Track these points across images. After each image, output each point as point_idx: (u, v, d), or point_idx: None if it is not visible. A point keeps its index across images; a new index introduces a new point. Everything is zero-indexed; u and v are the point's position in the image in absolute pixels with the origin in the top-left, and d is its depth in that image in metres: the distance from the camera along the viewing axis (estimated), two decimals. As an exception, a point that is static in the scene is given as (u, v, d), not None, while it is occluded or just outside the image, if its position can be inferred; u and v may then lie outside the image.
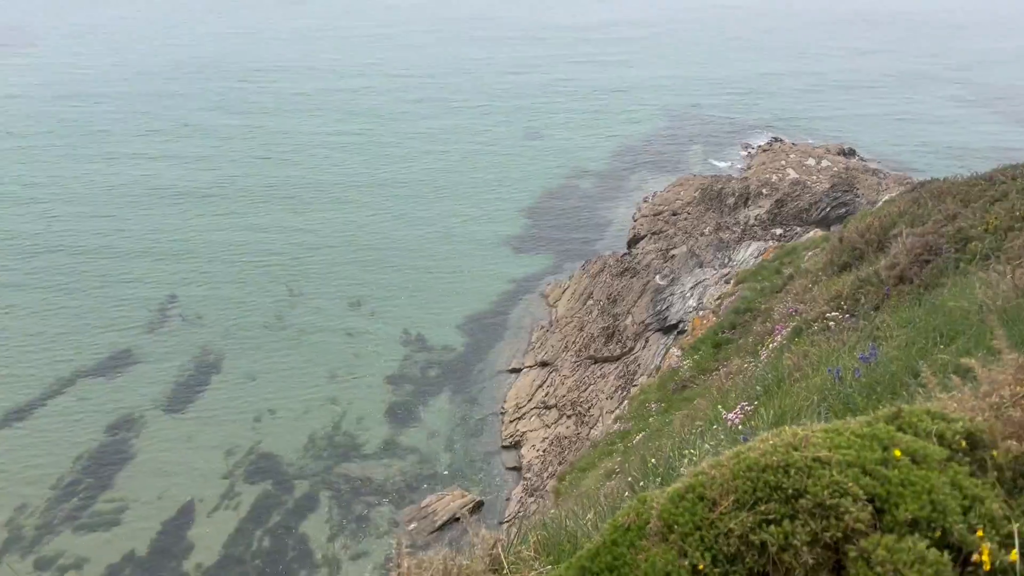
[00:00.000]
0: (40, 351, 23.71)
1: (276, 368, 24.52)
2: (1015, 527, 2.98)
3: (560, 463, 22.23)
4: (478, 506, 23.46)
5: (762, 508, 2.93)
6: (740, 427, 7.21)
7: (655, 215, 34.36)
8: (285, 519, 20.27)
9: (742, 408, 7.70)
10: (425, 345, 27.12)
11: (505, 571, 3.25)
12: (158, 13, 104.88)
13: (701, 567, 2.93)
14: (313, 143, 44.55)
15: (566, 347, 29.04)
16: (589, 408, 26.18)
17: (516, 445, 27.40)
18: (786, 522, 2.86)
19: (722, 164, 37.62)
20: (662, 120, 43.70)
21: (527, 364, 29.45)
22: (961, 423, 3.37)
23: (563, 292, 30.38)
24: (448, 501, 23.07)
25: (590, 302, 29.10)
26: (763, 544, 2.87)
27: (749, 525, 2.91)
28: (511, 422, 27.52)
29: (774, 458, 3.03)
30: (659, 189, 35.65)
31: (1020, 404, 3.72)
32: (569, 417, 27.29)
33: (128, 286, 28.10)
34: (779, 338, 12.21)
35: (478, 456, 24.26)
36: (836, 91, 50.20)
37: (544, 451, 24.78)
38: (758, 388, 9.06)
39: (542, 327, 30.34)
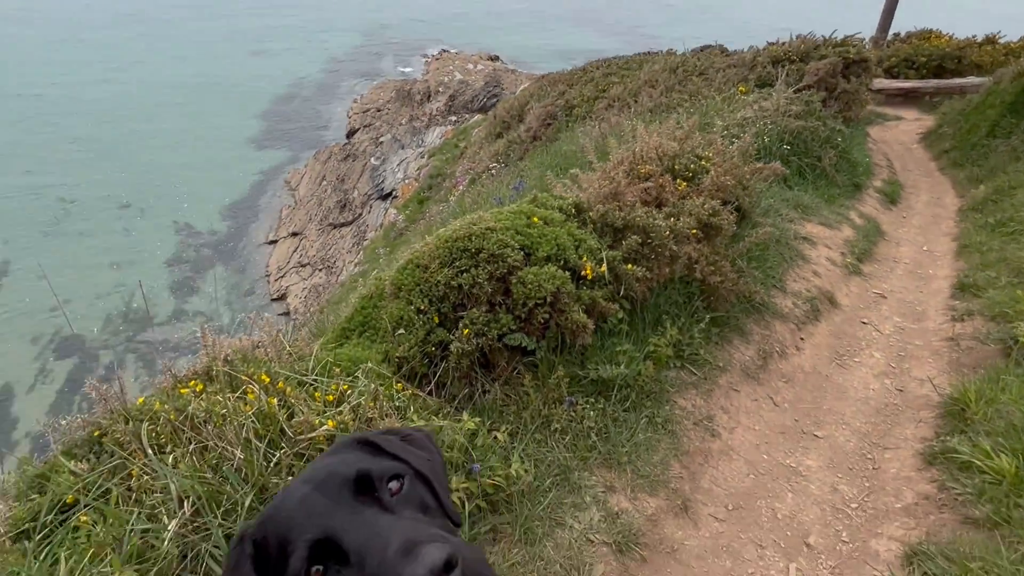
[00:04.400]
0: None
1: (63, 265, 20.87)
2: (603, 253, 3.56)
3: (318, 303, 21.82)
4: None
5: (457, 264, 3.21)
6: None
7: (364, 112, 32.86)
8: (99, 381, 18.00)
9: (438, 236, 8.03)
10: (194, 231, 24.37)
11: (287, 348, 3.27)
12: None
13: (422, 308, 3.20)
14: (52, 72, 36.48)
15: (310, 219, 27.61)
16: (335, 262, 25.52)
17: (282, 297, 26.23)
18: (473, 270, 3.17)
19: (408, 70, 36.54)
20: (358, 39, 41.11)
21: (281, 236, 27.70)
22: (571, 199, 3.86)
23: (301, 177, 28.60)
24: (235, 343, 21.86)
25: (324, 183, 27.69)
26: (460, 286, 3.17)
27: (450, 276, 3.19)
28: (275, 280, 26.10)
29: (461, 232, 3.31)
30: (364, 92, 34.03)
31: (601, 188, 4.31)
32: (320, 270, 26.42)
33: None
34: (461, 187, 12.69)
35: (253, 309, 22.88)
36: (483, 16, 49.84)
37: (305, 298, 23.99)
38: (448, 220, 9.44)
39: (289, 206, 28.51)
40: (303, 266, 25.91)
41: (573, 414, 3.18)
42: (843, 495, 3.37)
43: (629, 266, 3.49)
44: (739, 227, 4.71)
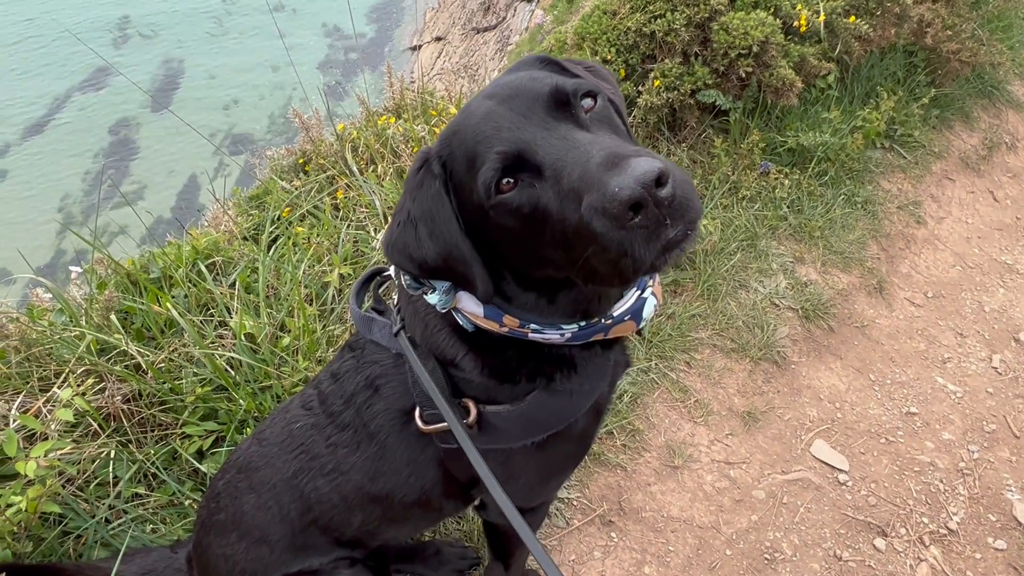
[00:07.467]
0: (24, 79, 20.55)
1: (229, 66, 21.92)
2: (821, 5, 3.04)
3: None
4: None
5: (651, 8, 2.87)
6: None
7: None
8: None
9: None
10: (342, 35, 24.40)
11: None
12: None
13: (608, 58, 2.94)
14: None
15: (453, 23, 26.65)
16: (478, 70, 24.88)
17: (427, 104, 26.18)
18: (669, 14, 2.82)
19: None
20: None
21: (425, 41, 27.12)
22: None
23: (445, -23, 27.21)
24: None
25: (467, -17, 26.26)
26: (652, 33, 2.86)
27: (642, 22, 2.87)
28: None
29: (657, -29, 2.91)
30: None
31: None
32: (463, 78, 25.78)
33: (83, 10, 23.84)
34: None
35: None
36: None
37: (449, 105, 23.92)
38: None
39: (432, 9, 27.57)
40: (446, 73, 25.67)
41: (764, 182, 2.93)
42: (1067, 297, 2.97)
43: (852, 18, 2.96)
44: (985, -10, 3.84)
